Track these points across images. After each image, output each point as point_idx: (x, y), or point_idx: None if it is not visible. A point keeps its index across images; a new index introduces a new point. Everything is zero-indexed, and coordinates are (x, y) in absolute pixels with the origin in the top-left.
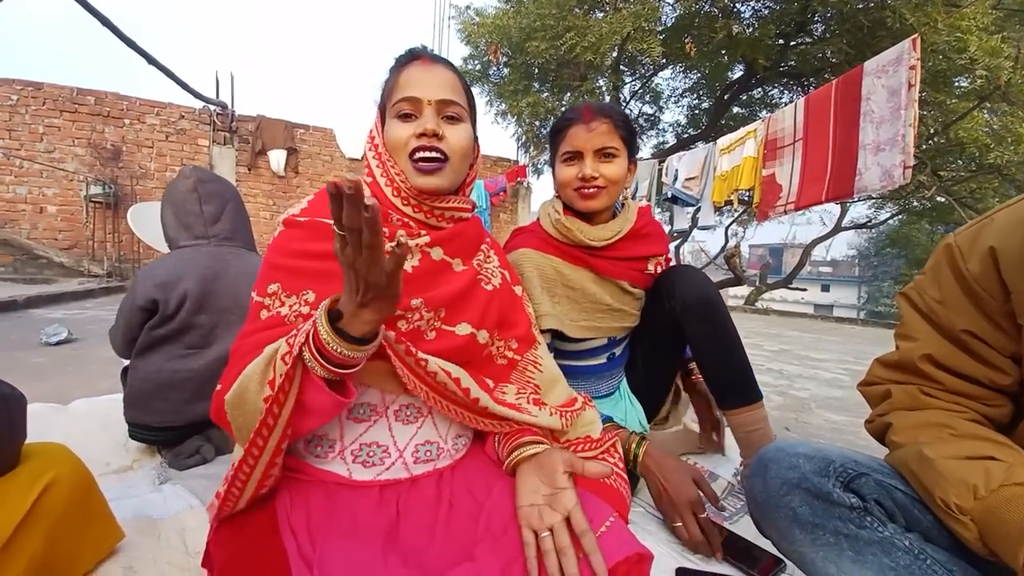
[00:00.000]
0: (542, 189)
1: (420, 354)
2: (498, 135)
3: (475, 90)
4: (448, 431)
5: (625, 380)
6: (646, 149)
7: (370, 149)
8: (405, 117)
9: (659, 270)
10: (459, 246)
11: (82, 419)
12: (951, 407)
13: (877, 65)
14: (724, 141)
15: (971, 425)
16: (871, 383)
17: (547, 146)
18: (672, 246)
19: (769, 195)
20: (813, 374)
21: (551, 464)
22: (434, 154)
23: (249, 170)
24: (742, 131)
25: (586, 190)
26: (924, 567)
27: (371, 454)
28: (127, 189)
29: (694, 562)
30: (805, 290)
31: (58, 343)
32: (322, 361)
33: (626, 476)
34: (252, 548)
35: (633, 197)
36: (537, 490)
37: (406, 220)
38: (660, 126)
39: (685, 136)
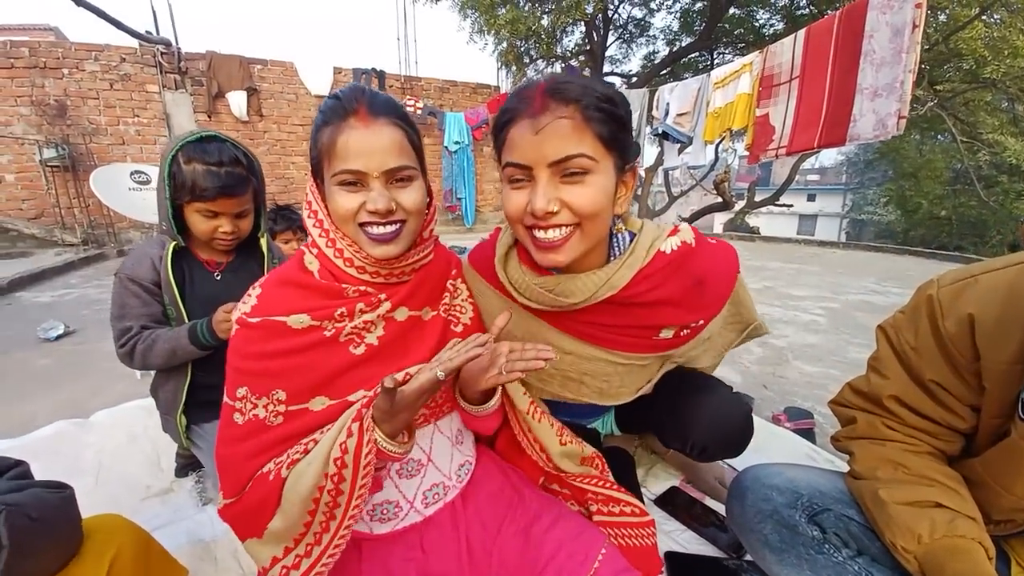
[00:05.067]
0: None
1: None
2: (475, 56)
3: (445, 3)
4: (451, 467)
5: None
6: (635, 60)
7: (309, 216)
8: (349, 185)
9: (685, 333)
10: (425, 294)
11: (108, 433)
12: (907, 440)
13: None
14: (718, 74)
15: (924, 464)
16: (841, 404)
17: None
18: (660, 170)
19: (762, 137)
20: (792, 317)
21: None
22: (388, 229)
23: (209, 117)
24: (737, 63)
25: (542, 235)
26: None
27: (385, 511)
28: (81, 148)
29: (683, 545)
30: (791, 206)
31: (57, 338)
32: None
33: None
34: None
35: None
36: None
37: (362, 289)
38: (651, 32)
39: (677, 46)
